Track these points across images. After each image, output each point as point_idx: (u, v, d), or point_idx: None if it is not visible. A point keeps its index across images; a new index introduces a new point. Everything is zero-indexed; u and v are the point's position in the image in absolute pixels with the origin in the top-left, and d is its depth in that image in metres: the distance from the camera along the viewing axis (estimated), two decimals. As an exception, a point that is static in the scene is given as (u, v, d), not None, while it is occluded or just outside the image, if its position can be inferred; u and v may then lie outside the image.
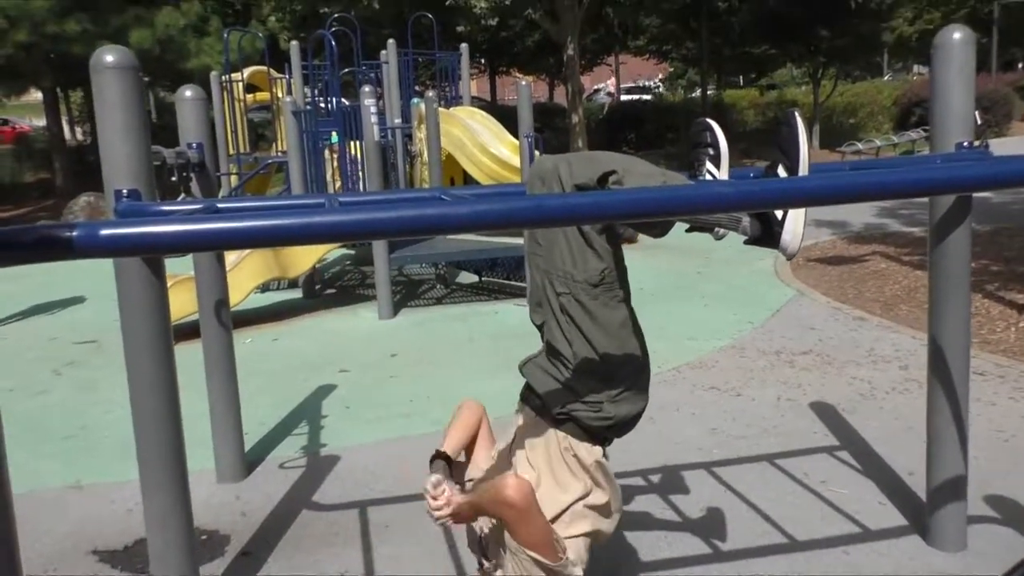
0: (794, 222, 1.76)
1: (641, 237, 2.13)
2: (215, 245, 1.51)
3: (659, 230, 1.98)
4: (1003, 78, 25.80)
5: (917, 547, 2.96)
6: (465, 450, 2.23)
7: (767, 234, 1.80)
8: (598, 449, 2.01)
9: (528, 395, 2.10)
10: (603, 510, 2.01)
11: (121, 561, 3.14)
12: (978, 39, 2.86)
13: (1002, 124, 21.78)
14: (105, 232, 1.43)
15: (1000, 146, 3.55)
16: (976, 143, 2.76)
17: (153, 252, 1.50)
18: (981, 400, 4.17)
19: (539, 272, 2.03)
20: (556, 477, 1.96)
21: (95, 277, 8.44)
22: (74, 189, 15.97)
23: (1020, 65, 35.33)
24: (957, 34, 2.74)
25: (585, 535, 1.97)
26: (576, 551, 1.94)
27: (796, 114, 1.85)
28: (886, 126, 23.42)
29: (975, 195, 2.75)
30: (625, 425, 2.06)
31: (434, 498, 1.97)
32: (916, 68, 38.24)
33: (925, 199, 2.85)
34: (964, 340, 2.89)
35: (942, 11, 25.16)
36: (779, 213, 1.77)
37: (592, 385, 1.97)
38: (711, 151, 1.97)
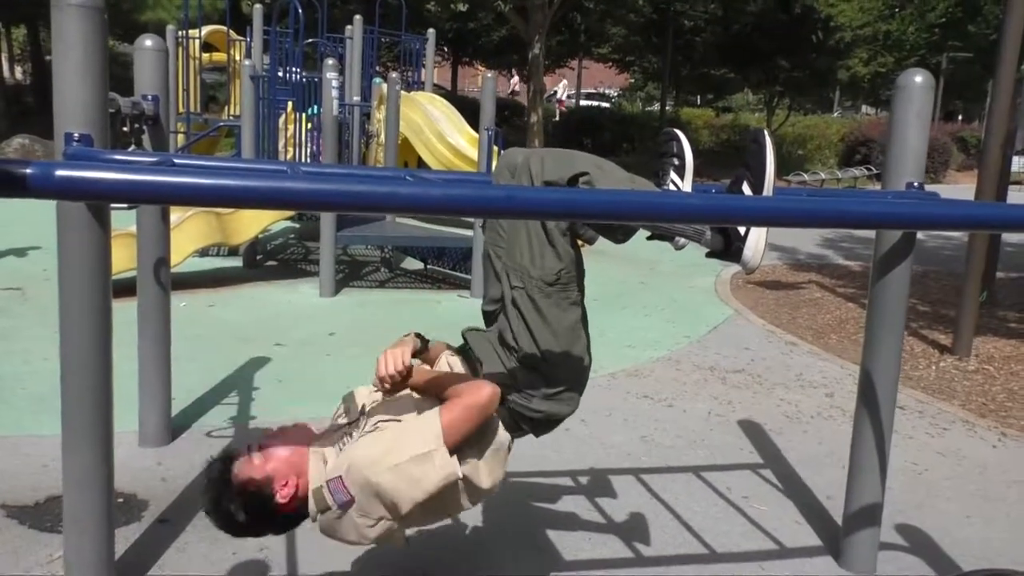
0: (756, 239, 1.80)
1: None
2: (178, 200, 1.46)
3: (622, 235, 1.99)
4: (944, 127, 26.86)
5: (829, 568, 3.05)
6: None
7: (728, 248, 1.84)
8: (507, 436, 1.99)
9: (468, 356, 2.08)
10: (467, 487, 1.93)
11: (30, 517, 3.02)
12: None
13: (939, 171, 22.65)
14: (62, 173, 1.38)
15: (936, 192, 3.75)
16: None
17: (111, 199, 1.45)
18: (899, 433, 4.32)
19: (498, 262, 2.02)
20: None
21: (27, 223, 8.11)
22: (10, 130, 15.32)
23: (960, 117, 36.83)
24: (919, 78, 2.84)
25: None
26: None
27: (766, 133, 1.89)
28: (832, 160, 24.14)
29: (915, 235, 2.85)
30: (548, 424, 2.06)
31: (396, 362, 1.94)
32: (864, 108, 39.51)
33: (870, 234, 2.95)
34: (894, 373, 3.00)
35: (895, 56, 26.04)
36: (741, 228, 1.80)
37: (530, 379, 1.98)
38: (676, 161, 1.99)
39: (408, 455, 1.78)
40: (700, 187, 2.24)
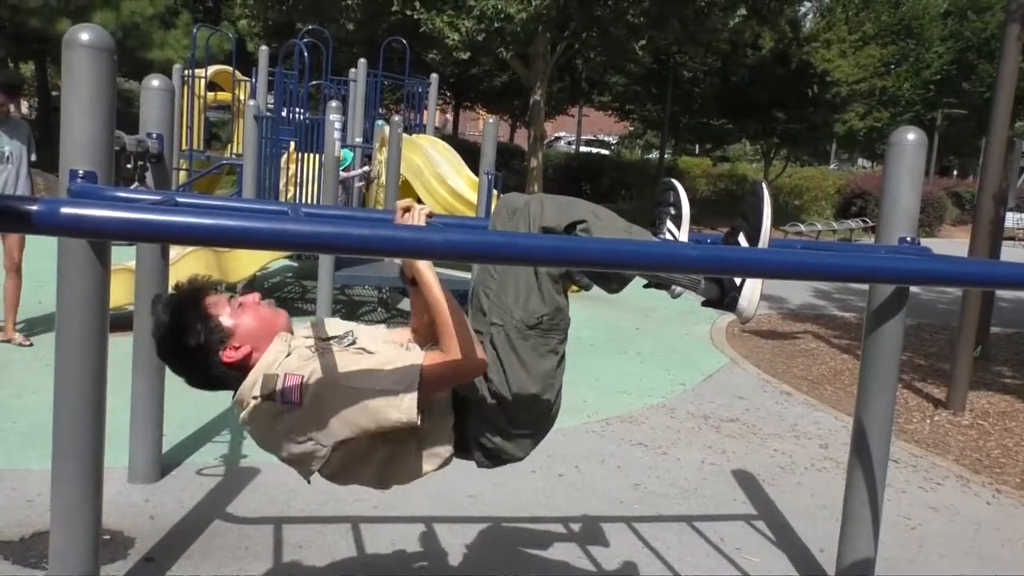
0: (751, 289, 1.82)
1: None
2: (179, 239, 1.48)
3: (616, 284, 2.01)
4: (939, 182, 27.16)
5: (822, 623, 3.02)
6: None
7: (723, 297, 1.86)
8: (450, 451, 1.96)
9: None
10: (395, 463, 1.91)
11: (15, 553, 2.99)
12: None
13: (934, 225, 22.85)
14: (67, 211, 1.40)
15: (929, 247, 3.79)
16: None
17: (114, 237, 1.47)
18: (893, 487, 4.30)
19: (486, 301, 2.04)
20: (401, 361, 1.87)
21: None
22: (12, 162, 15.41)
23: (955, 172, 37.26)
24: (911, 135, 2.90)
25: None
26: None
27: (764, 186, 1.93)
28: (828, 212, 24.37)
29: (911, 289, 2.88)
30: (496, 459, 2.04)
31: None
32: (860, 161, 39.98)
33: (863, 286, 2.98)
34: (887, 426, 3.00)
35: (890, 111, 26.46)
36: (737, 279, 1.83)
37: (495, 412, 1.97)
38: (673, 211, 2.02)
39: (380, 386, 1.77)
40: (696, 236, 2.27)
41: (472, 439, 1.98)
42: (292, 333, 1.95)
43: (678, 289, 1.95)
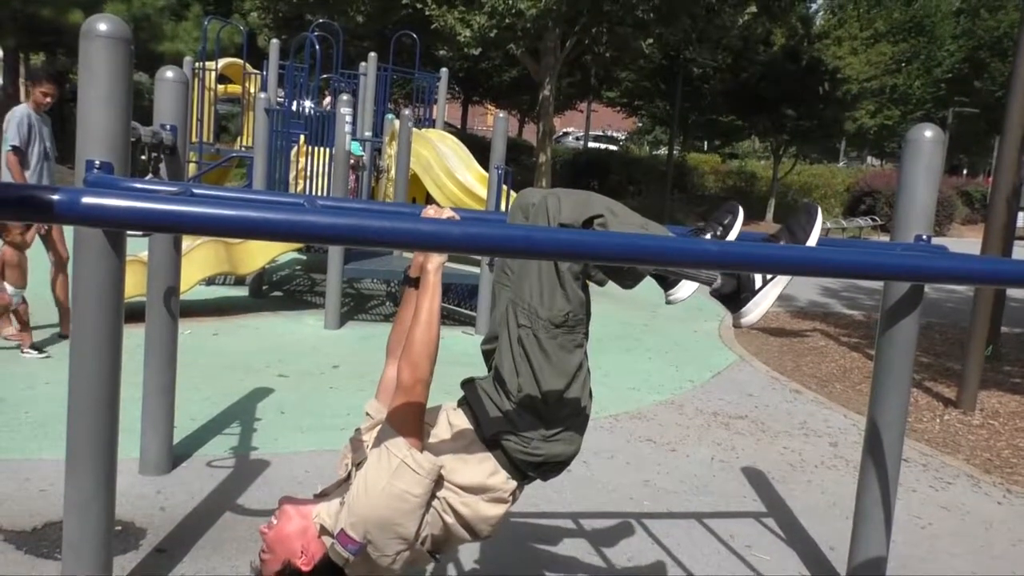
0: (765, 296, 1.80)
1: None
2: (199, 230, 1.48)
3: (631, 280, 2.00)
4: (948, 181, 27.02)
5: (832, 621, 3.01)
6: None
7: (737, 294, 1.84)
8: (513, 483, 1.98)
9: (467, 408, 2.07)
10: (470, 525, 1.95)
11: (28, 543, 3.00)
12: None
13: (944, 225, 22.75)
14: (88, 200, 1.40)
15: (944, 245, 3.79)
16: None
17: (134, 227, 1.47)
18: (903, 486, 4.28)
19: (505, 299, 2.03)
20: (462, 462, 1.93)
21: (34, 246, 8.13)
22: (22, 153, 15.45)
23: (965, 171, 37.06)
24: (928, 132, 2.88)
25: (441, 525, 1.91)
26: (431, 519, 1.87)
27: (820, 209, 1.93)
28: (837, 210, 24.27)
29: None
30: (553, 466, 2.03)
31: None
32: (870, 159, 39.82)
33: (873, 284, 2.96)
34: (900, 425, 2.99)
35: (901, 110, 26.34)
36: (758, 282, 1.81)
37: (528, 421, 1.96)
38: (720, 231, 2.00)
39: (387, 474, 1.80)
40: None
41: (522, 463, 1.98)
42: (326, 495, 1.96)
43: (676, 295, 1.94)
